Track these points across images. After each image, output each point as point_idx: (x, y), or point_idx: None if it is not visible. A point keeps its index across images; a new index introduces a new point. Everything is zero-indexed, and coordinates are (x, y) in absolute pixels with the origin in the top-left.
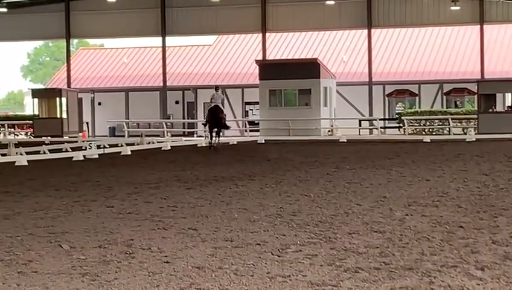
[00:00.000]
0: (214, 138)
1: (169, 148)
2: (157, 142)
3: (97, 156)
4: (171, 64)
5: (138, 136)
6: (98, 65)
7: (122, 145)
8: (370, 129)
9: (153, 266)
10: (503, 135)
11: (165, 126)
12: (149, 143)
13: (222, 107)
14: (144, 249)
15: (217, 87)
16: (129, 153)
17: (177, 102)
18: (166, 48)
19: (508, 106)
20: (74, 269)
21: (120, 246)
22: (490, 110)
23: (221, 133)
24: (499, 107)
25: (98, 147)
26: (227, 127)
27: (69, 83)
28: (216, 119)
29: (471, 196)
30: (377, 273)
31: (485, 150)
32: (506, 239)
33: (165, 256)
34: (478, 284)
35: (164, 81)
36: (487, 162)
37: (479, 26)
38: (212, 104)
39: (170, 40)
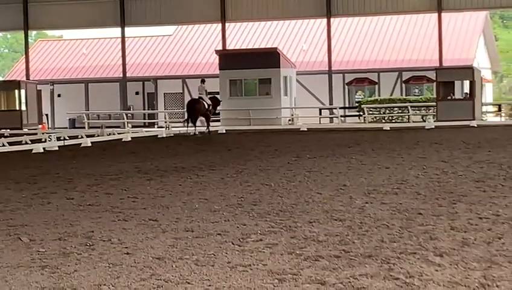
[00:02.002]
0: (193, 127)
1: (130, 139)
2: (118, 133)
3: (57, 148)
4: (131, 55)
5: (98, 127)
6: (57, 56)
7: (82, 137)
8: (330, 118)
9: (113, 257)
10: (462, 122)
11: (125, 117)
12: (109, 134)
13: (205, 99)
14: (104, 240)
15: (202, 80)
16: (89, 144)
17: (137, 93)
18: (126, 39)
19: (466, 93)
20: (34, 261)
21: (80, 238)
22: (449, 98)
23: (199, 123)
24: (457, 95)
25: (58, 139)
26: (206, 117)
27: (27, 75)
28: (193, 110)
29: (430, 183)
30: (337, 261)
31: (443, 137)
32: (465, 225)
33: (126, 247)
34: (437, 270)
35: (124, 72)
36: (446, 149)
37: (436, 14)
38: (194, 97)
39: (130, 31)
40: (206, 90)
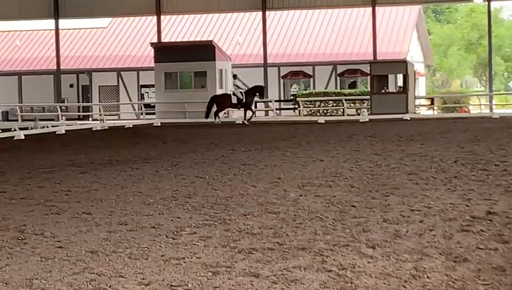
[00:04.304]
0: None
1: (64, 132)
2: (52, 126)
3: None
4: (65, 47)
5: (32, 120)
6: None
7: (15, 130)
8: (265, 111)
9: (45, 251)
10: (395, 115)
11: (59, 110)
12: (43, 127)
13: (236, 93)
14: (37, 234)
15: (234, 76)
16: (22, 137)
17: (71, 85)
18: (60, 31)
19: (400, 86)
20: None
21: (12, 231)
22: (383, 91)
23: (220, 114)
24: (391, 88)
25: None
26: (244, 108)
27: None
28: (209, 105)
29: (364, 176)
30: (271, 253)
31: (377, 130)
32: (397, 217)
33: (58, 241)
34: (369, 262)
35: (58, 64)
36: (379, 142)
37: (371, 8)
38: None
39: (63, 23)
40: (236, 85)
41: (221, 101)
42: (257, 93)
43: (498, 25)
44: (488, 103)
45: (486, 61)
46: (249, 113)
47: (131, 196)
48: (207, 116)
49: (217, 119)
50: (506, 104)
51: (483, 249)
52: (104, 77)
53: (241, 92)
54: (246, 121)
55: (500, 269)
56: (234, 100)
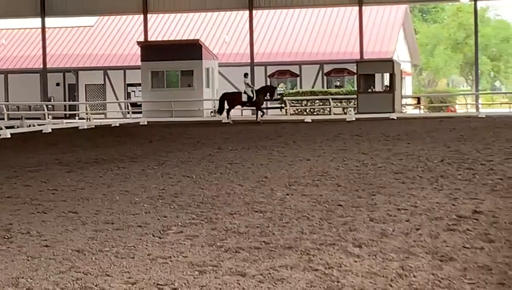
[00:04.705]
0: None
1: (50, 131)
2: (38, 125)
3: None
4: (52, 46)
5: (18, 119)
6: None
7: (1, 129)
8: (252, 110)
9: (32, 250)
10: (382, 114)
11: (45, 109)
12: (29, 126)
13: (247, 92)
14: (23, 233)
15: (245, 74)
16: (9, 136)
17: (58, 84)
18: (46, 30)
19: (386, 86)
20: None
21: None
22: (369, 90)
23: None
24: (377, 87)
25: None
26: (254, 106)
27: None
28: (221, 103)
29: (350, 175)
30: (257, 252)
31: (364, 129)
32: (383, 217)
33: (45, 240)
34: (355, 261)
35: (44, 63)
36: (366, 141)
37: (357, 7)
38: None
39: (50, 22)
40: (247, 84)
41: (232, 99)
42: (267, 93)
43: (484, 24)
44: (474, 102)
45: (473, 60)
46: (259, 112)
47: (117, 195)
48: (220, 113)
49: (229, 118)
50: (492, 104)
51: (470, 248)
52: (90, 76)
53: (252, 91)
54: (259, 120)
55: (486, 268)
56: (244, 98)
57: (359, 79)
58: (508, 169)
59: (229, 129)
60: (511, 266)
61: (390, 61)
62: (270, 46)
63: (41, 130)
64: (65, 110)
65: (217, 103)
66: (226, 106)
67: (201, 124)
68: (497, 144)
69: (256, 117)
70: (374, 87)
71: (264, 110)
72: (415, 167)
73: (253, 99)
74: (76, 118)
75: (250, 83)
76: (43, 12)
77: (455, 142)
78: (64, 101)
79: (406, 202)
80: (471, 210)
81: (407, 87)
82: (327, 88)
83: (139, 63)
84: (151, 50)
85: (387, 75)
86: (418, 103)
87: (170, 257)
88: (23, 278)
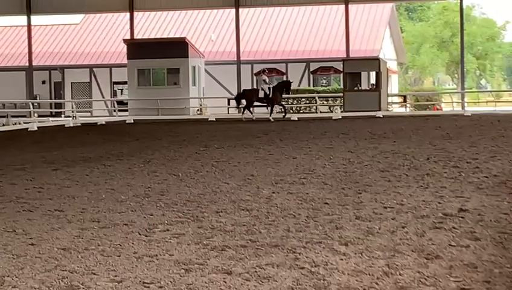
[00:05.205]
0: (245, 113)
1: (36, 129)
2: (24, 122)
3: None
4: (37, 44)
5: (4, 117)
6: None
7: None
8: (239, 108)
9: (17, 248)
10: (368, 113)
11: (31, 107)
12: (15, 124)
13: (264, 88)
14: (9, 231)
15: (263, 70)
16: None
17: (43, 82)
18: (32, 27)
19: (372, 84)
20: None
21: None
22: (355, 89)
23: (249, 109)
24: (364, 85)
25: None
26: (269, 103)
27: None
28: (238, 99)
29: (337, 173)
30: (244, 250)
31: (350, 127)
32: (370, 215)
33: (30, 238)
34: (342, 259)
35: (30, 61)
36: (352, 139)
37: (344, 5)
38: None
39: (36, 19)
40: (263, 80)
41: (250, 95)
42: (284, 89)
43: (470, 23)
44: (460, 101)
45: (459, 59)
46: (275, 110)
47: (103, 193)
48: (248, 109)
49: (248, 114)
50: (478, 102)
51: (455, 246)
52: (76, 74)
53: (268, 88)
54: (271, 118)
55: (472, 266)
56: (261, 95)
57: (345, 77)
58: (494, 167)
59: (215, 127)
60: (496, 264)
61: (376, 60)
62: (257, 44)
63: (27, 128)
64: (51, 108)
65: (203, 101)
66: (244, 103)
67: (188, 122)
68: (482, 142)
69: (270, 114)
70: (360, 86)
71: (285, 106)
72: (401, 165)
73: (270, 96)
74: (63, 116)
75: (267, 80)
76: (28, 9)
77: (441, 140)
78: (50, 99)
79: (392, 200)
80: (457, 208)
81: (394, 85)
82: (313, 86)
83: (125, 61)
84: (138, 48)
85: (373, 74)
86: (404, 101)
87: (156, 255)
88: (8, 276)
